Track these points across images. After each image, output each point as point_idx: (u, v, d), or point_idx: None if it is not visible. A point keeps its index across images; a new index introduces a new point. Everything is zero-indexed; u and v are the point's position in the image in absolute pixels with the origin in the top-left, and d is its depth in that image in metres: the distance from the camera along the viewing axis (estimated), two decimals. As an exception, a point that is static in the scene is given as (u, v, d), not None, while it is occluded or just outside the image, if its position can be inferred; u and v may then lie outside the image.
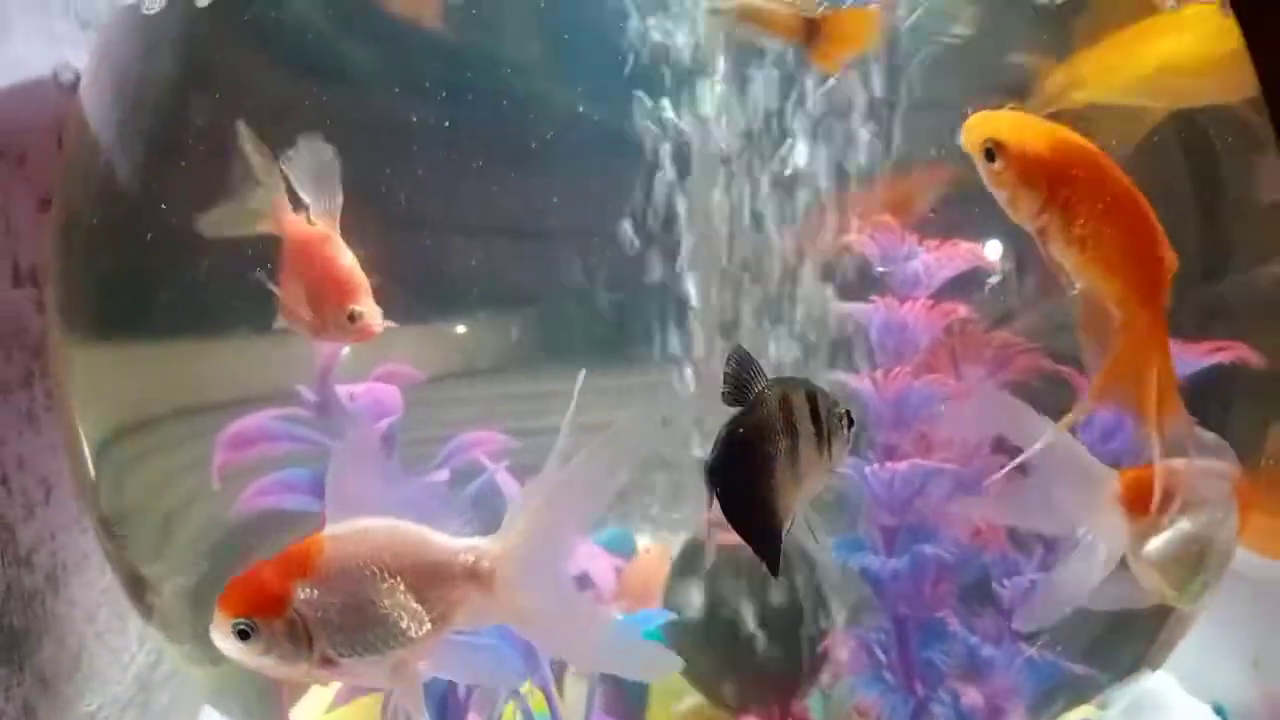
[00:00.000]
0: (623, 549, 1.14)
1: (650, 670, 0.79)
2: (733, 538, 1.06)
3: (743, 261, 1.01)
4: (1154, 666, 1.07)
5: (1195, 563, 0.79)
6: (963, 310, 0.95)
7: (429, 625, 0.69)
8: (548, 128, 0.93)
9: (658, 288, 0.98)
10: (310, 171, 0.82)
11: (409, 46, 0.95)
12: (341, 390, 0.94)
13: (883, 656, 1.00)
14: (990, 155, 0.73)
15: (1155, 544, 0.79)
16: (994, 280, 0.93)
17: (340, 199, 0.83)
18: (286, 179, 0.83)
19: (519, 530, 0.71)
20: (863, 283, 0.97)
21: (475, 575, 0.70)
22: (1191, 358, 0.93)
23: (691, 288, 1.00)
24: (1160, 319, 0.77)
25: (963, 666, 0.98)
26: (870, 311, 0.96)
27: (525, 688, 0.93)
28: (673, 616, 1.02)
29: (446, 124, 0.92)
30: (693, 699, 1.05)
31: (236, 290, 0.92)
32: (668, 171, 0.96)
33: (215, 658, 0.71)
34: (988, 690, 0.97)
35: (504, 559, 0.70)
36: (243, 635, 0.67)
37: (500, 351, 1.01)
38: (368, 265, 0.85)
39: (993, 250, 0.93)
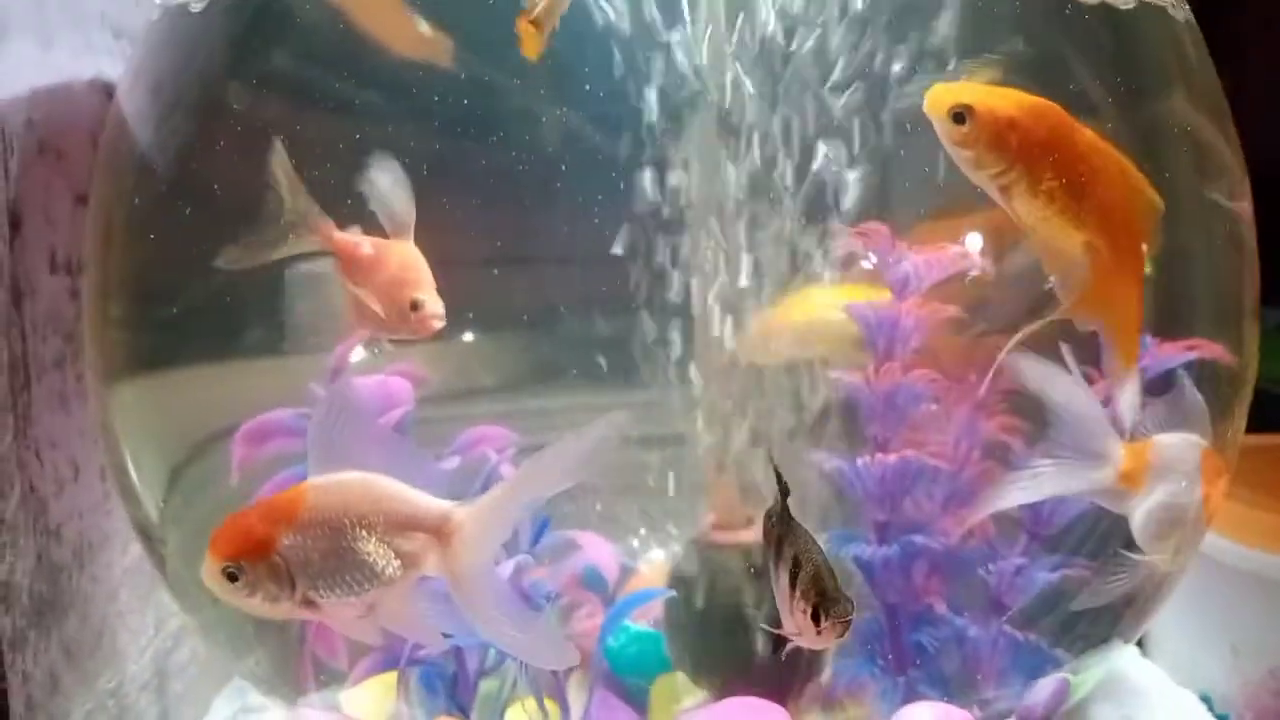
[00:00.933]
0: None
1: (547, 659, 0.84)
2: (731, 537, 1.10)
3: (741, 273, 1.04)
4: (1127, 640, 1.10)
5: (1172, 528, 0.83)
6: (952, 310, 0.98)
7: (400, 569, 0.75)
8: (551, 154, 0.96)
9: (657, 306, 1.01)
10: (386, 189, 0.86)
11: (420, 75, 0.97)
12: (354, 380, 0.96)
13: (874, 643, 1.03)
14: (959, 118, 0.78)
15: (1139, 513, 0.83)
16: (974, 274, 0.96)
17: (413, 212, 0.87)
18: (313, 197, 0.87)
19: (484, 503, 0.76)
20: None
21: (439, 532, 0.75)
22: (1168, 355, 0.97)
23: (691, 304, 1.03)
24: (1135, 256, 0.83)
25: (950, 648, 1.01)
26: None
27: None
28: (670, 594, 1.06)
29: (456, 150, 0.96)
30: (691, 699, 1.07)
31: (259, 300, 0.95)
32: (667, 189, 0.99)
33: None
34: (971, 665, 1.00)
35: (466, 523, 0.75)
36: (230, 577, 0.73)
37: (504, 370, 1.05)
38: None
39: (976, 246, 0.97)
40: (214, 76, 1.01)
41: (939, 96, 0.79)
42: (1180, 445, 0.84)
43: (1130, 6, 1.00)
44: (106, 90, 1.15)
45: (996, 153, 0.78)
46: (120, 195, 1.04)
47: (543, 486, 0.77)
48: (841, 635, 0.72)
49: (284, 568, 0.73)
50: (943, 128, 0.79)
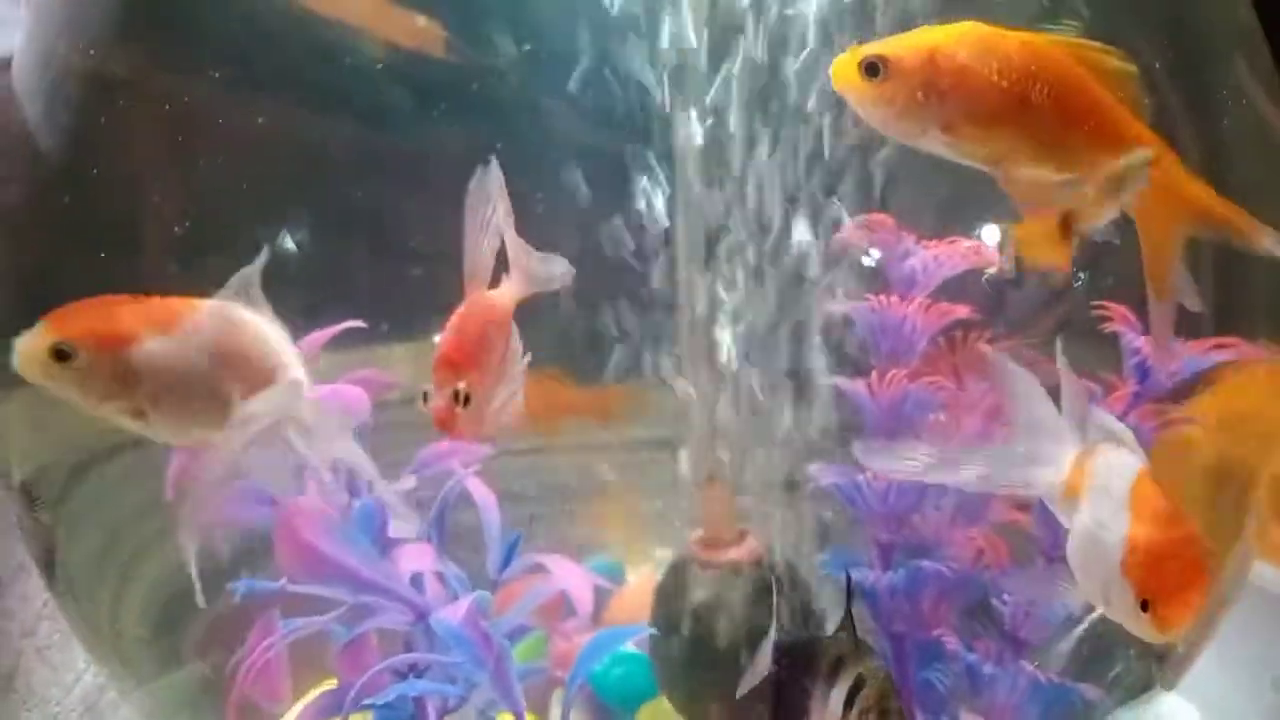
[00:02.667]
0: (613, 580, 1.13)
1: None
2: (719, 556, 1.05)
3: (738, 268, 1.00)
4: (1168, 687, 1.04)
5: (1091, 562, 0.72)
6: (961, 311, 0.92)
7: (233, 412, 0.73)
8: (539, 150, 0.93)
9: (651, 300, 0.98)
10: None
11: (393, 71, 0.95)
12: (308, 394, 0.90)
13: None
14: (873, 70, 0.69)
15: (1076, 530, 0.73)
16: (991, 273, 0.90)
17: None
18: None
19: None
20: (859, 281, 0.95)
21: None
22: (1196, 356, 0.89)
23: (682, 298, 0.99)
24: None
25: (962, 687, 0.94)
26: (865, 312, 0.93)
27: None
28: (650, 632, 1.01)
29: (434, 145, 0.94)
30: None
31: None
32: (661, 188, 0.95)
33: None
34: (989, 712, 0.93)
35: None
36: (61, 356, 0.68)
37: None
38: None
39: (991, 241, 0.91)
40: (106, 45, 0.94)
41: (845, 60, 0.71)
42: (1116, 463, 0.73)
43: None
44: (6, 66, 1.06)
45: (923, 100, 0.70)
46: (4, 180, 0.95)
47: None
48: None
49: (131, 372, 0.70)
50: (858, 95, 0.70)
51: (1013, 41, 0.71)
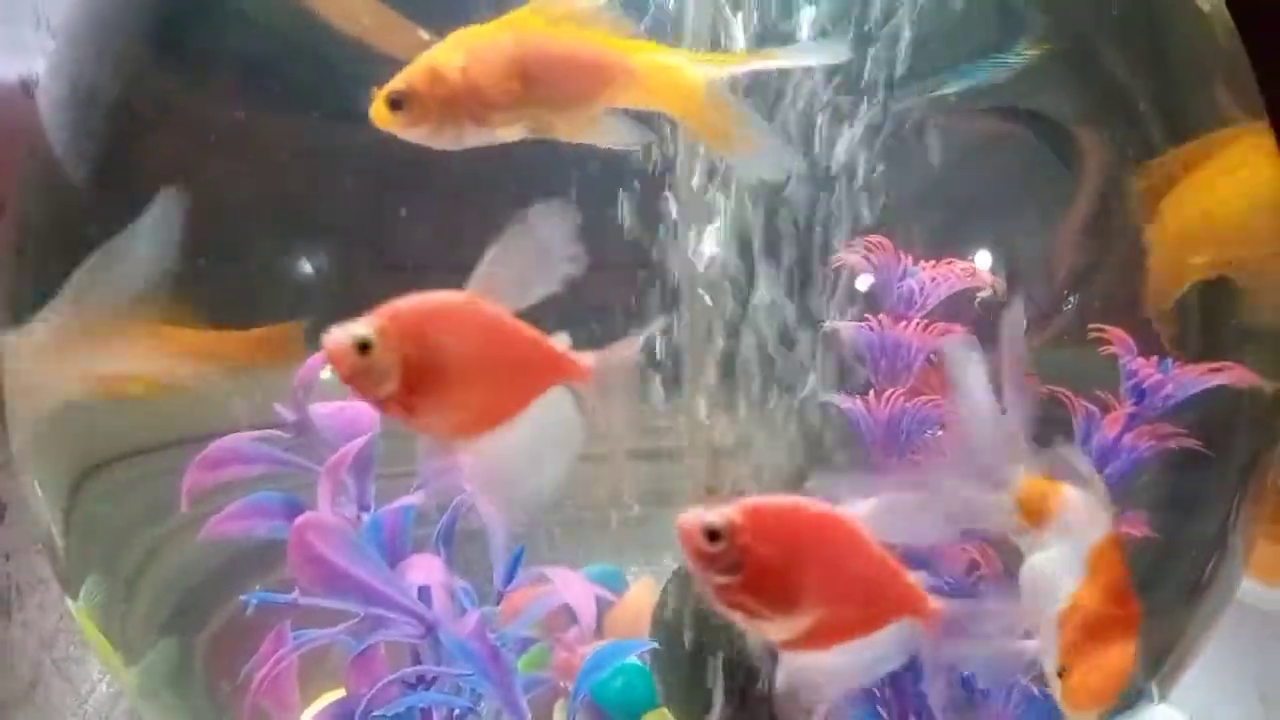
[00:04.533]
0: (613, 586, 1.11)
1: None
2: None
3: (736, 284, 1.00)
4: (1157, 700, 1.04)
5: (1039, 598, 0.71)
6: (958, 331, 0.92)
7: None
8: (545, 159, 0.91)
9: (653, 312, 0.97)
10: None
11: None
12: (315, 409, 0.91)
13: (876, 690, 0.97)
14: (396, 104, 0.73)
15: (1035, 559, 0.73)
16: (984, 295, 0.91)
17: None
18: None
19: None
20: (857, 301, 0.95)
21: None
22: (1192, 379, 0.90)
23: (684, 311, 0.98)
24: None
25: (957, 700, 0.95)
26: (863, 331, 0.94)
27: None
28: (651, 646, 1.00)
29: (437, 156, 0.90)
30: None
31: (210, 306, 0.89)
32: (663, 196, 0.95)
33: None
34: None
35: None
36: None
37: None
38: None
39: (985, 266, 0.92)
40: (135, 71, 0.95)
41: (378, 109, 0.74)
42: (1088, 512, 0.71)
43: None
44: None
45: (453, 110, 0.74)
46: (34, 204, 0.97)
47: None
48: None
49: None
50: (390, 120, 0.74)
51: (506, 33, 0.75)
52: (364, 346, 0.63)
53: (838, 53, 0.82)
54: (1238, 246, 1.01)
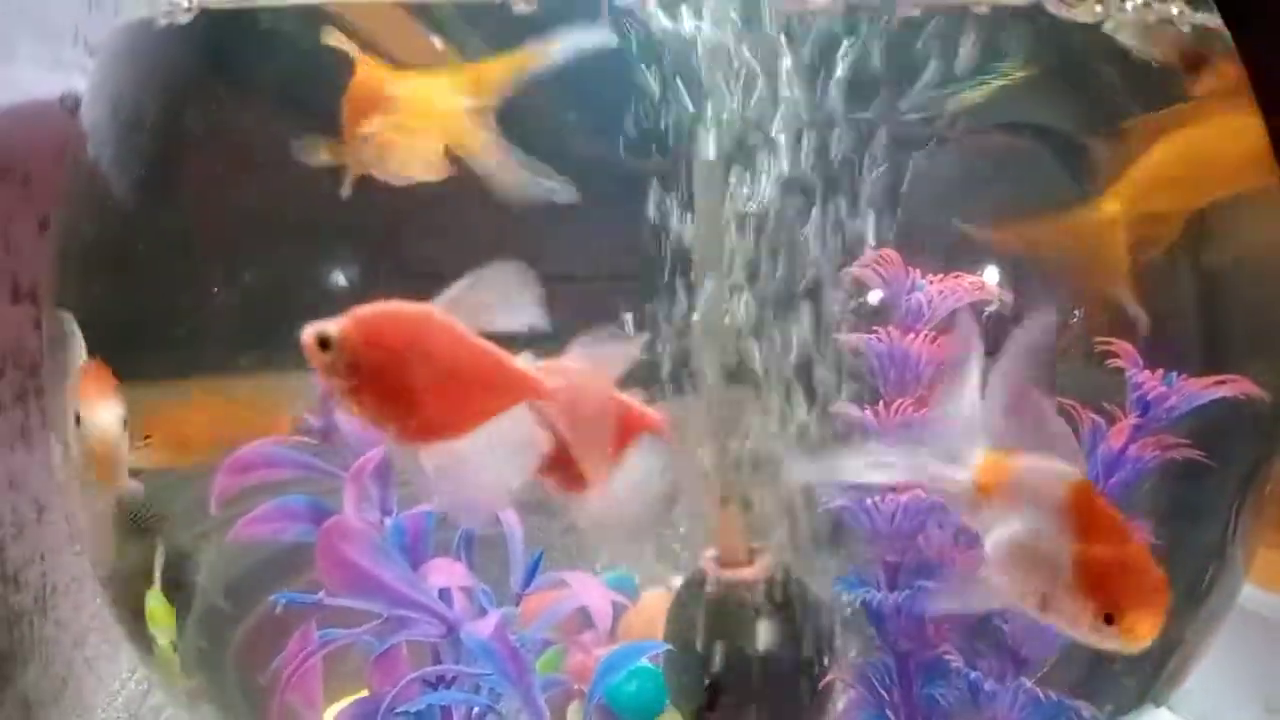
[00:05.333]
0: (625, 593, 1.13)
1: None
2: (735, 574, 1.07)
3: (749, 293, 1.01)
4: (1159, 703, 1.06)
5: (1027, 573, 0.72)
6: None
7: None
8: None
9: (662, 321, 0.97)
10: None
11: None
12: (339, 416, 0.93)
13: (884, 694, 0.98)
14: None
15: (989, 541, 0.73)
16: (992, 309, 0.92)
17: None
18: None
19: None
20: (867, 314, 0.97)
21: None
22: (1196, 391, 0.91)
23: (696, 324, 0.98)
24: None
25: (965, 703, 0.97)
26: (873, 343, 0.95)
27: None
28: (665, 648, 1.02)
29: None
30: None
31: (236, 319, 0.92)
32: (670, 206, 0.95)
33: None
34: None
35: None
36: None
37: None
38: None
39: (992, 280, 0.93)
40: (177, 95, 0.96)
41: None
42: (1044, 469, 0.71)
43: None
44: (76, 110, 1.10)
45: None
46: (77, 221, 0.99)
47: None
48: None
49: None
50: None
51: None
52: (324, 343, 0.67)
53: (604, 38, 0.82)
54: (1212, 186, 1.02)
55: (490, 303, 0.70)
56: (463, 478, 0.70)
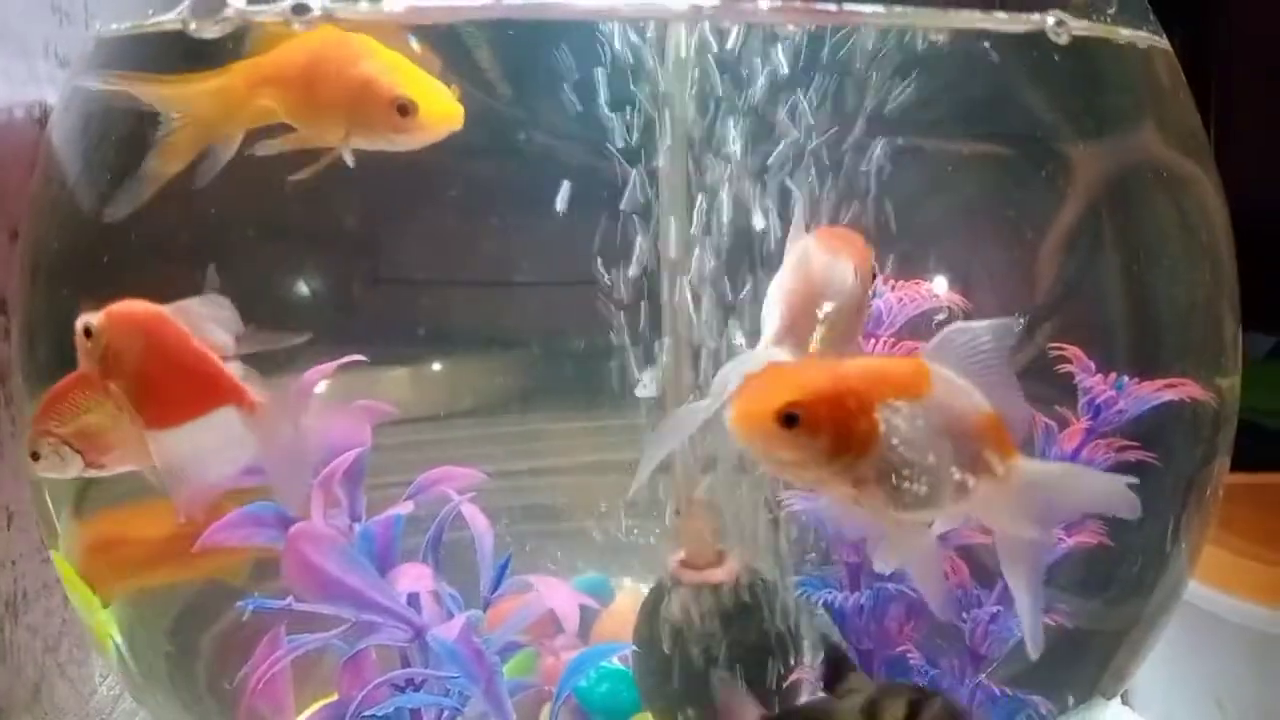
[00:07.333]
0: (601, 595, 1.14)
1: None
2: (700, 576, 1.08)
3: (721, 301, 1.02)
4: (1108, 695, 1.08)
5: None
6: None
7: None
8: (535, 177, 0.94)
9: (639, 331, 0.99)
10: None
11: None
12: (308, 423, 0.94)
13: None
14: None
15: None
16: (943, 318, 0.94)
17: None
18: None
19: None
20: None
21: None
22: (1144, 395, 0.94)
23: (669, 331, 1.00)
24: None
25: None
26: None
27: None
28: (630, 649, 1.03)
29: (438, 175, 0.94)
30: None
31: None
32: (648, 218, 0.97)
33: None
34: None
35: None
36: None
37: (486, 393, 1.03)
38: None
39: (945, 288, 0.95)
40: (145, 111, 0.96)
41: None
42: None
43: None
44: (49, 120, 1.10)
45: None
46: (45, 233, 1.00)
47: None
48: None
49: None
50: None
51: None
52: (86, 332, 0.78)
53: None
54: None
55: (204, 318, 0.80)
56: (180, 465, 0.79)
